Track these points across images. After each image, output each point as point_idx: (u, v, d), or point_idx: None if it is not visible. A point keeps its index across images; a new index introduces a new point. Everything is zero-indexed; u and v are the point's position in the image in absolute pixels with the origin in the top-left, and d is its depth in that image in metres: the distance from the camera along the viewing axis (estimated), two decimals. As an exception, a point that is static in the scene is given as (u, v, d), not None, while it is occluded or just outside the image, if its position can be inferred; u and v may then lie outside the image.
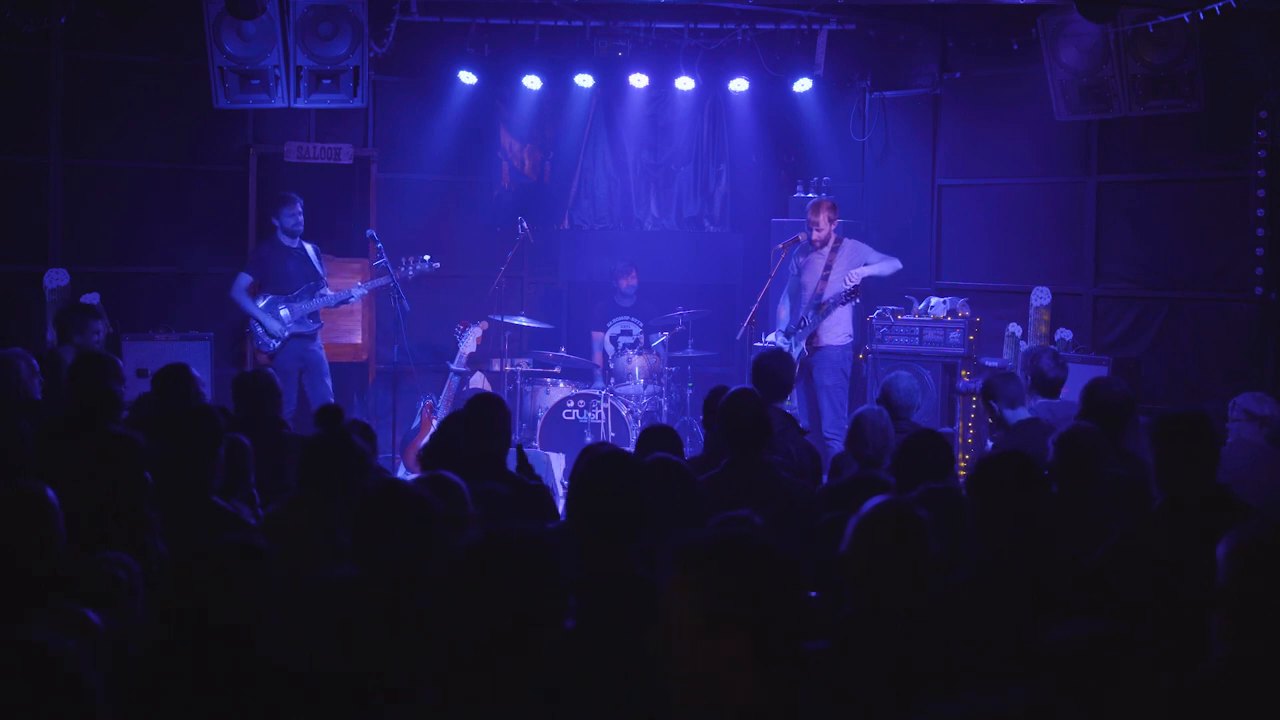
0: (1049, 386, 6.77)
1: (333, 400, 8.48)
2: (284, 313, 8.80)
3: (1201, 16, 7.65)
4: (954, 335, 8.96)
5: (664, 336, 10.02)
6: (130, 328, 8.98)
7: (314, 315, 8.90)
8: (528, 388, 9.69)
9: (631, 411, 9.41)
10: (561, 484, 8.23)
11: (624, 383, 9.64)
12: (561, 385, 9.72)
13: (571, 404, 9.54)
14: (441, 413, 9.00)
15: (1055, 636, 2.40)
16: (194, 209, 9.81)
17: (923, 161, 10.45)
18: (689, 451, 6.44)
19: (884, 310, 9.27)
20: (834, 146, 10.72)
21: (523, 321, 9.88)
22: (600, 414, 9.41)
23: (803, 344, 8.62)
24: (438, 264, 9.12)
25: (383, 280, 8.94)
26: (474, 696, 2.30)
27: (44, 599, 3.16)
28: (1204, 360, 8.85)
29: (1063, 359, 7.02)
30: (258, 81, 8.99)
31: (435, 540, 3.26)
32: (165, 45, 9.47)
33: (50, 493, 3.41)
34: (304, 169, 9.85)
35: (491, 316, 9.64)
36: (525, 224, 9.75)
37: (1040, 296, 9.25)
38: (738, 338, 9.25)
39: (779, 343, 8.62)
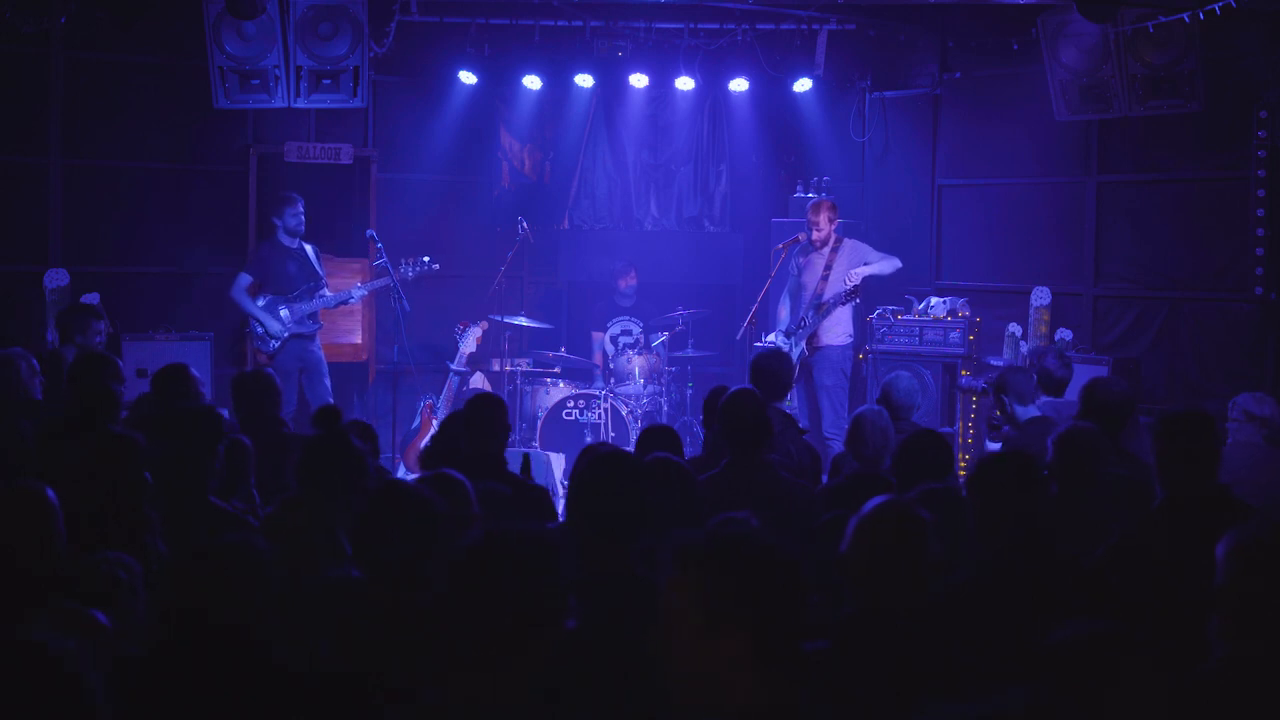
0: (1055, 385, 6.78)
1: (332, 400, 8.48)
2: (284, 313, 8.80)
3: (1201, 16, 7.65)
4: (954, 335, 8.96)
5: (664, 336, 10.01)
6: (130, 328, 8.98)
7: (313, 316, 8.90)
8: (528, 388, 9.69)
9: (631, 411, 9.41)
10: (561, 484, 8.22)
11: (624, 383, 9.64)
12: (561, 385, 9.72)
13: (571, 404, 9.54)
14: (441, 413, 9.00)
15: (1055, 637, 2.40)
16: (194, 209, 9.81)
17: (923, 161, 10.45)
18: (689, 451, 6.44)
19: (884, 310, 9.27)
20: (834, 146, 10.71)
21: (523, 321, 9.88)
22: (600, 414, 9.41)
23: (803, 344, 8.62)
24: (437, 265, 9.12)
25: (383, 281, 8.94)
26: (474, 696, 2.30)
27: (44, 599, 3.17)
28: (1204, 360, 8.84)
29: (1068, 359, 7.03)
30: (258, 81, 8.99)
31: (438, 540, 3.25)
32: (165, 45, 9.48)
33: (50, 493, 3.41)
34: (304, 169, 9.85)
35: (491, 316, 9.64)
36: (525, 224, 9.75)
37: (1040, 296, 9.26)
38: (738, 338, 9.25)
39: (779, 343, 8.62)
